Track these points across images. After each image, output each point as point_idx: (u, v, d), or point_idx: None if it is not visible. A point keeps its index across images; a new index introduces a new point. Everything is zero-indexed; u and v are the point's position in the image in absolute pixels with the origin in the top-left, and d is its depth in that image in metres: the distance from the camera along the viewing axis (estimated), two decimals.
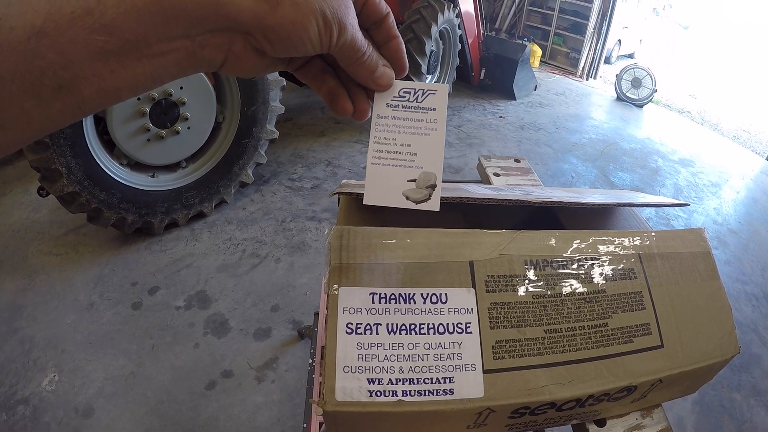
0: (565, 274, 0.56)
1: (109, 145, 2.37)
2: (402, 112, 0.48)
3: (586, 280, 0.57)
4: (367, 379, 0.45)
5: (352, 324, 0.47)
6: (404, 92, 0.47)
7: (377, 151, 0.48)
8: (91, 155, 2.23)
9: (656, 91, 6.19)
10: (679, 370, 0.58)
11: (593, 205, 0.70)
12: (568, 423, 0.62)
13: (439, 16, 3.78)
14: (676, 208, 3.71)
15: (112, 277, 2.37)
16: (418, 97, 0.47)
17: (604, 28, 6.97)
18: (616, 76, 6.34)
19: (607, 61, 8.66)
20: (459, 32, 4.48)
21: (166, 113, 2.41)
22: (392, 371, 0.46)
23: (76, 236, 2.64)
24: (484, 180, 1.11)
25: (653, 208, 3.40)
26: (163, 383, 1.90)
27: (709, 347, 0.62)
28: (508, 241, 0.54)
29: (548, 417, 0.55)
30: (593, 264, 0.58)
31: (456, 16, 4.31)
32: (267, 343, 2.08)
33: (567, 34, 7.36)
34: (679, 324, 0.61)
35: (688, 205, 0.97)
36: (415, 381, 0.46)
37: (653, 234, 0.66)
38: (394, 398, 0.45)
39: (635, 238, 0.63)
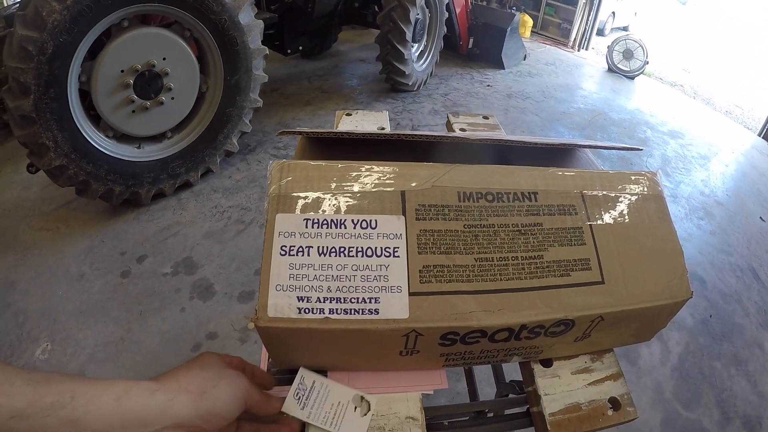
0: (499, 206, 0.57)
1: (95, 118, 2.37)
2: None
3: (522, 212, 0.59)
4: (297, 297, 0.48)
5: (286, 246, 0.49)
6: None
7: None
8: (77, 128, 2.24)
9: (648, 63, 6.13)
10: (620, 307, 0.59)
11: (535, 144, 0.71)
12: (510, 359, 0.64)
13: None
14: (663, 179, 3.72)
15: (102, 248, 2.41)
16: None
17: None
18: (608, 47, 6.28)
19: (600, 33, 8.57)
20: (446, 0, 4.43)
21: (149, 84, 2.40)
22: (320, 290, 0.48)
23: (66, 211, 2.67)
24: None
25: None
26: (152, 347, 1.95)
27: (657, 288, 0.62)
28: (443, 173, 0.56)
29: (483, 348, 0.57)
30: (530, 197, 0.60)
31: None
32: (250, 305, 2.12)
33: (559, 4, 7.26)
34: (623, 262, 0.61)
35: (641, 149, 0.98)
36: (342, 300, 0.48)
37: (598, 173, 0.67)
38: (321, 315, 0.48)
39: (577, 176, 0.65)
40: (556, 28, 7.42)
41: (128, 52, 2.30)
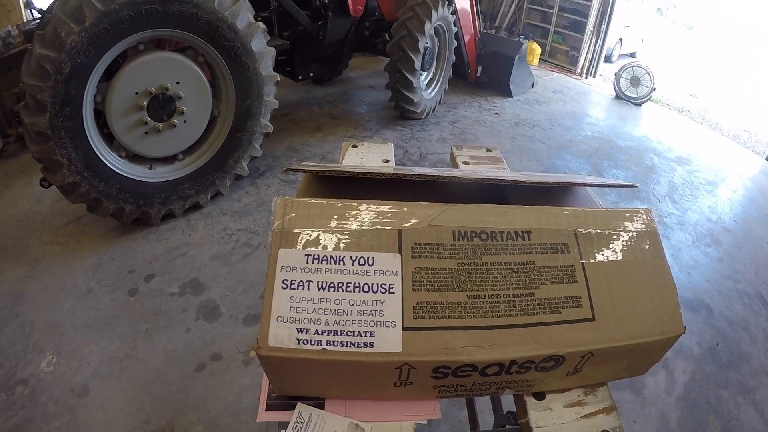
0: (493, 245, 0.60)
1: (109, 137, 2.43)
2: None
3: (515, 251, 0.61)
4: (297, 329, 0.50)
5: (287, 280, 0.52)
6: None
7: None
8: (91, 147, 2.30)
9: (655, 89, 6.17)
10: (611, 344, 0.61)
11: (531, 183, 0.74)
12: (502, 392, 0.66)
13: (433, 13, 3.81)
14: (670, 207, 3.73)
15: (111, 265, 2.44)
16: None
17: (604, 26, 6.97)
18: (615, 74, 6.33)
19: (608, 59, 8.65)
20: (455, 29, 4.51)
21: (163, 107, 2.47)
22: (319, 323, 0.51)
23: (77, 226, 2.72)
24: (454, 168, 1.16)
25: (645, 205, 3.43)
26: (156, 365, 1.96)
27: (648, 324, 0.64)
28: (439, 213, 0.59)
29: (475, 382, 0.59)
30: (524, 236, 0.63)
31: (451, 14, 4.34)
32: (256, 328, 2.13)
33: (567, 32, 7.37)
34: (614, 299, 0.64)
35: (637, 186, 1.00)
36: (339, 333, 0.51)
37: (592, 211, 0.69)
38: (319, 347, 0.50)
39: (571, 214, 0.67)
40: (563, 56, 7.51)
41: (143, 75, 2.37)
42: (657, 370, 2.23)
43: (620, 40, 9.39)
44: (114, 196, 2.43)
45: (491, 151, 1.23)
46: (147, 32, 2.27)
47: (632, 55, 10.25)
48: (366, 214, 0.58)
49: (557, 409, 0.66)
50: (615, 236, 0.68)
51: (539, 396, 0.67)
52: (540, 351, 0.57)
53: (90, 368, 1.93)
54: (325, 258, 0.54)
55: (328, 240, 0.55)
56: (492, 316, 0.57)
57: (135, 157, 2.55)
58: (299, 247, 0.54)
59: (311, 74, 4.15)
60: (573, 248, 0.65)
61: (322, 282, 0.53)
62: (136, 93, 2.36)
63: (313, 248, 0.55)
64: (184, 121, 2.58)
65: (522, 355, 0.56)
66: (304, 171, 0.71)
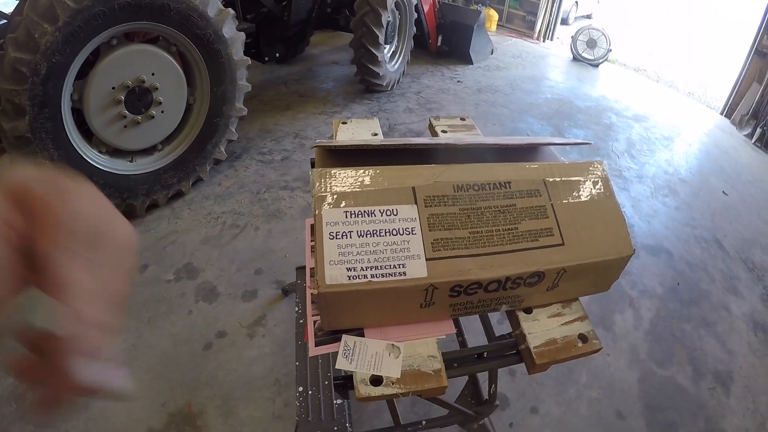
0: (483, 193, 0.77)
1: (87, 135, 2.46)
2: None
3: (500, 197, 0.78)
4: (346, 268, 0.66)
5: (333, 233, 0.67)
6: None
7: None
8: (73, 146, 2.33)
9: (611, 50, 6.40)
10: (578, 262, 0.80)
11: (507, 145, 0.90)
12: (500, 308, 0.84)
13: None
14: (629, 161, 3.96)
15: None
16: None
17: None
18: (572, 37, 6.53)
19: (565, 22, 8.84)
20: (414, 1, 4.61)
21: (140, 99, 2.51)
22: (362, 262, 0.67)
23: None
24: (434, 136, 1.31)
25: (605, 161, 3.65)
26: (164, 349, 2.03)
27: (605, 247, 0.83)
28: (440, 172, 0.75)
29: (480, 298, 0.76)
30: (506, 185, 0.79)
31: None
32: (254, 303, 2.25)
33: None
34: (578, 229, 0.82)
35: (590, 143, 1.17)
36: (379, 267, 0.67)
37: (557, 165, 0.86)
38: (365, 280, 0.66)
39: (540, 168, 0.84)
40: (521, 21, 7.67)
41: (118, 69, 2.40)
42: (624, 308, 2.44)
43: (576, 2, 9.57)
44: None
45: (465, 120, 1.38)
46: (120, 26, 2.29)
47: (588, 16, 10.44)
48: (384, 176, 0.73)
49: (542, 319, 0.84)
50: (575, 182, 0.86)
51: (527, 311, 0.85)
52: (526, 269, 0.75)
53: None
54: (359, 212, 0.70)
55: (359, 198, 0.71)
56: (488, 245, 0.74)
57: (115, 152, 2.58)
58: (337, 205, 0.69)
59: (277, 54, 4.20)
60: (543, 193, 0.83)
61: (360, 230, 0.69)
62: (113, 88, 2.39)
63: (348, 206, 0.70)
64: (162, 111, 2.63)
65: (514, 272, 0.74)
66: (329, 147, 0.86)
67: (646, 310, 2.44)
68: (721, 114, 5.68)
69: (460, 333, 1.40)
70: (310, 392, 1.38)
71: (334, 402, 1.34)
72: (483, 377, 1.45)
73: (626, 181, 3.58)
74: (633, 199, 3.37)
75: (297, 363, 1.51)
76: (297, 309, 1.64)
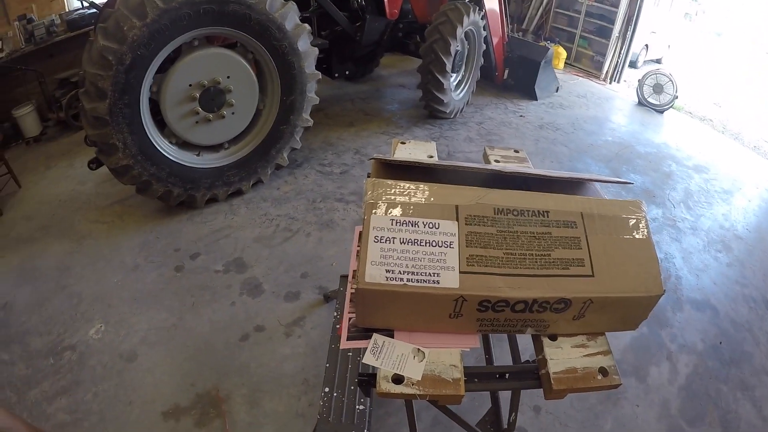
0: (522, 219, 0.82)
1: (161, 124, 2.65)
2: None
3: (537, 224, 0.83)
4: (385, 270, 0.73)
5: (378, 237, 0.75)
6: None
7: None
8: (146, 133, 2.52)
9: (677, 97, 6.23)
10: (605, 294, 0.83)
11: (550, 177, 0.95)
12: (526, 330, 0.88)
13: (465, 18, 3.98)
14: (684, 212, 3.84)
15: (156, 244, 2.65)
16: None
17: (630, 32, 7.03)
18: (638, 81, 6.39)
19: (633, 65, 8.67)
20: (484, 33, 4.67)
21: (213, 99, 2.69)
22: (401, 266, 0.74)
23: (122, 207, 2.94)
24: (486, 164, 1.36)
25: (660, 210, 3.58)
26: (202, 334, 2.13)
27: (634, 284, 0.86)
28: (484, 194, 0.81)
29: (506, 318, 0.81)
30: (544, 214, 0.84)
31: (481, 18, 4.51)
32: (296, 304, 2.33)
33: (592, 37, 7.44)
34: (609, 263, 0.86)
35: (632, 183, 1.20)
36: (415, 273, 0.73)
37: (596, 200, 0.90)
38: (401, 282, 0.72)
39: (579, 201, 0.88)
40: (589, 61, 7.59)
41: (196, 69, 2.58)
42: (661, 360, 2.36)
43: (646, 45, 9.36)
44: (164, 180, 2.64)
45: (518, 152, 1.43)
46: (203, 29, 2.48)
47: (658, 61, 10.18)
48: (431, 192, 0.80)
49: (566, 348, 0.87)
50: (612, 219, 0.90)
51: (552, 338, 0.89)
52: (553, 294, 0.80)
53: (138, 336, 2.09)
54: (404, 222, 0.77)
55: (406, 209, 0.78)
56: (520, 267, 0.79)
57: (184, 144, 2.76)
58: (385, 213, 0.77)
59: (347, 72, 4.36)
60: (579, 225, 0.87)
61: (403, 238, 0.76)
62: (190, 85, 2.58)
63: (395, 215, 0.77)
64: (233, 113, 2.80)
65: (541, 295, 0.78)
66: (386, 161, 0.94)
67: (683, 365, 2.35)
68: None
69: (488, 351, 1.43)
70: (335, 394, 1.44)
71: (357, 407, 1.39)
72: (505, 407, 1.47)
73: (679, 232, 3.48)
74: (684, 251, 3.27)
75: (327, 365, 1.58)
76: (336, 314, 1.71)
